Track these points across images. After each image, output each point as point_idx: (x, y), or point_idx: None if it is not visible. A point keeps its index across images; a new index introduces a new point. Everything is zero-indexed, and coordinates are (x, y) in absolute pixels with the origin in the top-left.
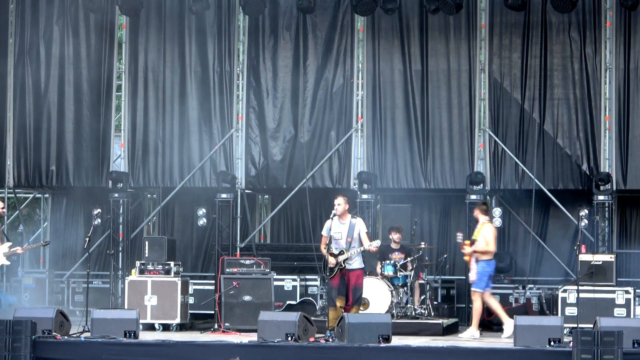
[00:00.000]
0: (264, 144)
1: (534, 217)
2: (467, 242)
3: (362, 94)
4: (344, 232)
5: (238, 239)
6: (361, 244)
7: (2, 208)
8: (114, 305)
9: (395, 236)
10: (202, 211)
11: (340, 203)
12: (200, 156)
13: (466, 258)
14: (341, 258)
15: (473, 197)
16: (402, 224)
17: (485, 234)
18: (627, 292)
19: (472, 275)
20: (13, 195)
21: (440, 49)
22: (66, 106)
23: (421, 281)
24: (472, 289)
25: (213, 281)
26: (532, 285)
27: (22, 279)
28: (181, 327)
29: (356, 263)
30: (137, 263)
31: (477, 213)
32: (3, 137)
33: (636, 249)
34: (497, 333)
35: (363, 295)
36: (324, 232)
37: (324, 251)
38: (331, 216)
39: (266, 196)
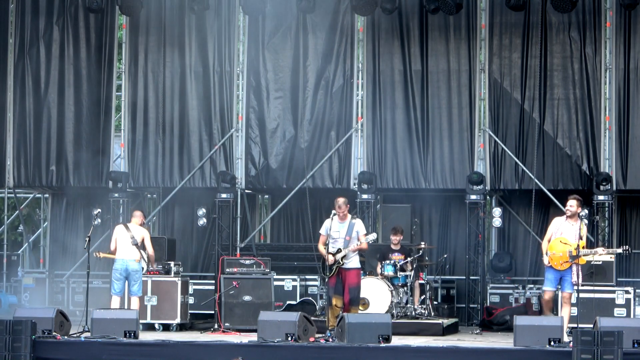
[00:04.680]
0: (264, 144)
1: (534, 217)
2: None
3: (362, 94)
4: (342, 231)
5: (238, 239)
6: (358, 242)
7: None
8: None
9: (394, 238)
10: (202, 211)
11: (341, 207)
12: (200, 156)
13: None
14: (339, 256)
15: (473, 197)
16: (402, 224)
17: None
18: (627, 292)
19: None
20: (13, 195)
21: (440, 49)
22: (66, 106)
23: (421, 281)
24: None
25: (213, 281)
26: (532, 285)
27: (22, 279)
28: (181, 327)
29: (352, 263)
30: None
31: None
32: (3, 137)
33: (636, 249)
34: (497, 333)
35: (363, 295)
36: (322, 231)
37: (322, 250)
38: (331, 215)
39: (266, 196)
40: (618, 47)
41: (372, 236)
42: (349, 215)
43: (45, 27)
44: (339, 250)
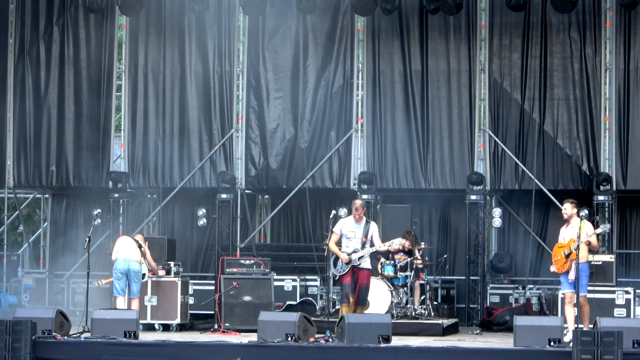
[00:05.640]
0: (264, 144)
1: (534, 217)
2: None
3: (362, 94)
4: (358, 232)
5: (238, 239)
6: (372, 245)
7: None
8: (114, 306)
9: (406, 242)
10: (202, 211)
11: (358, 209)
12: (200, 156)
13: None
14: (355, 256)
15: (473, 197)
16: (402, 224)
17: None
18: (627, 292)
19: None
20: (13, 195)
21: (440, 49)
22: (66, 106)
23: (421, 281)
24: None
25: (213, 281)
26: (532, 285)
27: (22, 279)
28: (181, 327)
29: (366, 263)
30: None
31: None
32: (3, 137)
33: (636, 249)
34: (497, 333)
35: None
36: (336, 230)
37: (335, 248)
38: (331, 216)
39: (266, 196)
40: (618, 47)
41: (399, 240)
42: (364, 218)
43: (45, 27)
44: (355, 251)
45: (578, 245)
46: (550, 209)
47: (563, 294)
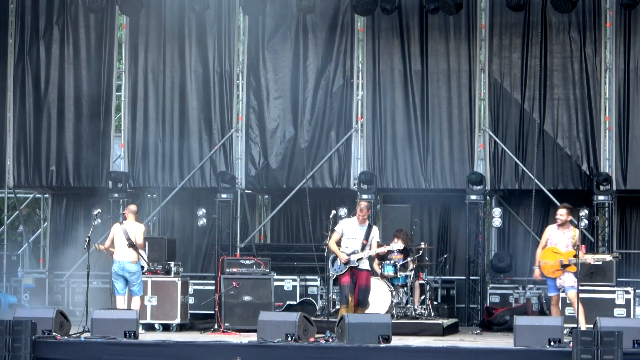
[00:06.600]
0: (264, 144)
1: (534, 217)
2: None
3: (362, 94)
4: (360, 234)
5: (238, 239)
6: (371, 248)
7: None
8: (114, 305)
9: (397, 241)
10: (202, 211)
11: (363, 210)
12: (200, 156)
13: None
14: (354, 257)
15: (473, 197)
16: (402, 224)
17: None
18: (627, 292)
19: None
20: (13, 195)
21: (440, 49)
22: (66, 106)
23: (421, 281)
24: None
25: (213, 281)
26: (532, 285)
27: (22, 279)
28: (181, 327)
29: (365, 264)
30: None
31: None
32: (3, 137)
33: (636, 249)
34: (497, 333)
35: None
36: (337, 229)
37: (335, 248)
38: (330, 216)
39: (266, 196)
40: (618, 47)
41: (399, 245)
42: (368, 220)
43: (45, 27)
44: (354, 252)
45: (577, 256)
46: (550, 208)
47: (550, 296)
